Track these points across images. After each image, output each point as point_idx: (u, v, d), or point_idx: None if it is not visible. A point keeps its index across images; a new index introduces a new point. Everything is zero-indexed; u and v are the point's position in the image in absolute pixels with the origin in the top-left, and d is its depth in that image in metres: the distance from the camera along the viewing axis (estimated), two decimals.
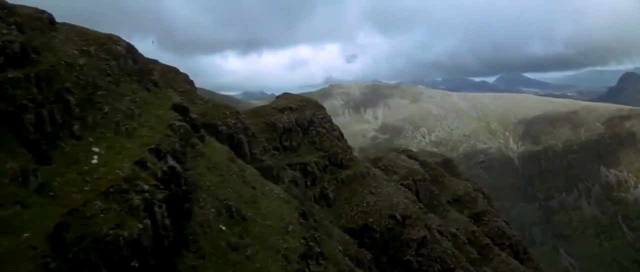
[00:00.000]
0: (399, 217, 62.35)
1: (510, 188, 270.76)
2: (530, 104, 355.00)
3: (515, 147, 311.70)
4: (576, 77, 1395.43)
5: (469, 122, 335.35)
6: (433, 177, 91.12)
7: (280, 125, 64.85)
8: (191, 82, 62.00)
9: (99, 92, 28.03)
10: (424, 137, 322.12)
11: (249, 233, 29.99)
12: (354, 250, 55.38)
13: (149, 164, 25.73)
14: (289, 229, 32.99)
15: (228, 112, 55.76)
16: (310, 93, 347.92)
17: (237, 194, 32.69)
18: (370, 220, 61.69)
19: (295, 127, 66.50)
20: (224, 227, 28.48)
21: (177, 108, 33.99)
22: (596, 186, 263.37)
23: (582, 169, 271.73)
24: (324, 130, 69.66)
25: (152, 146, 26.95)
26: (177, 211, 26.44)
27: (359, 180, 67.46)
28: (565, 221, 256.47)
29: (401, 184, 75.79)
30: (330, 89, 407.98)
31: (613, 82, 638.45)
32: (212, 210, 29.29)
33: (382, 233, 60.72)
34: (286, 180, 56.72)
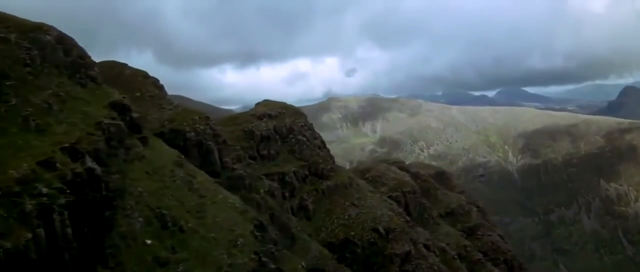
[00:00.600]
0: (382, 230, 59.14)
1: (510, 202, 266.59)
2: (529, 117, 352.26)
3: (514, 161, 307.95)
4: (577, 91, 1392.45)
5: (468, 135, 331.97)
6: (425, 189, 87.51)
7: (258, 133, 61.54)
8: (161, 87, 58.42)
9: (8, 83, 24.31)
10: (423, 151, 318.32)
11: (185, 246, 26.01)
12: (332, 266, 51.80)
13: (58, 165, 21.93)
14: (239, 243, 28.96)
15: (197, 118, 52.16)
16: (309, 106, 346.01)
17: (178, 203, 28.76)
18: (352, 233, 58.58)
19: (273, 135, 63.12)
20: (149, 241, 24.51)
21: (115, 106, 30.12)
22: (596, 200, 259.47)
23: (582, 183, 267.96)
24: (304, 139, 66.12)
25: (66, 145, 23.11)
26: (93, 219, 22.58)
27: (341, 191, 63.96)
28: (565, 236, 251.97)
29: (389, 196, 72.22)
30: (328, 103, 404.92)
31: (613, 96, 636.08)
32: (140, 219, 25.36)
33: (364, 248, 57.70)
34: (262, 191, 53.29)
